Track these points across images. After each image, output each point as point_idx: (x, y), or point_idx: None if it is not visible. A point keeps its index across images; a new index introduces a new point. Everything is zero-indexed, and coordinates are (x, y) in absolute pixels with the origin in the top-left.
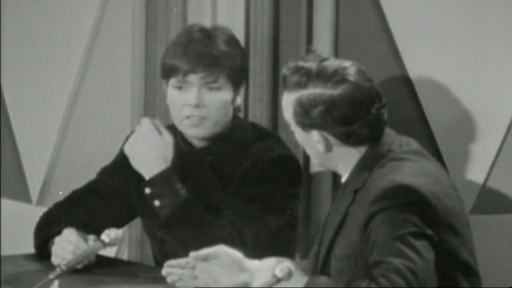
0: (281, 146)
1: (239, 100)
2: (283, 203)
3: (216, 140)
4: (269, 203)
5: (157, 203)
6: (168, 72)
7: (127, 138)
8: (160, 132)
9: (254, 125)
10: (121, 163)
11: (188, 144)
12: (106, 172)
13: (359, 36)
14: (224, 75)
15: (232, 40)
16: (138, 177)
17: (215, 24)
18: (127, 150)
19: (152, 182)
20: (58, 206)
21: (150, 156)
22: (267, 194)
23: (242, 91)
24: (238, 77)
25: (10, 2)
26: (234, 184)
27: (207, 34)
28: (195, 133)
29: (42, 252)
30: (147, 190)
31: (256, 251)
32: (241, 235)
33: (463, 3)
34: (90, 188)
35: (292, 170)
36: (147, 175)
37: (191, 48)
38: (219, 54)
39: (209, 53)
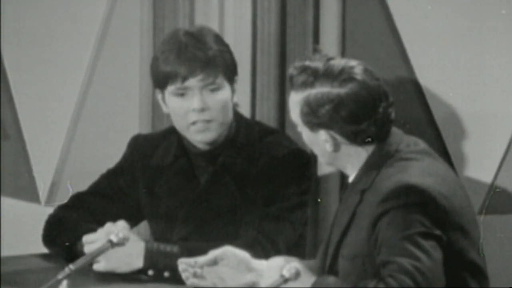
0: (290, 141)
1: (235, 97)
2: (302, 198)
3: (224, 141)
4: (290, 200)
5: (166, 274)
6: (164, 79)
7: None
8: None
9: (257, 122)
10: (128, 164)
11: (194, 147)
12: (112, 174)
13: (366, 36)
14: (221, 74)
15: (218, 38)
16: (146, 179)
17: (197, 25)
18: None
19: (146, 267)
20: (63, 209)
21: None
22: (287, 191)
23: (235, 87)
24: (232, 73)
25: (15, 2)
26: (251, 184)
27: (195, 36)
28: (203, 138)
29: (68, 254)
30: (150, 273)
31: (289, 252)
32: (272, 239)
33: (471, 3)
34: (95, 190)
35: (305, 164)
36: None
37: (184, 52)
38: (213, 54)
39: (203, 55)
